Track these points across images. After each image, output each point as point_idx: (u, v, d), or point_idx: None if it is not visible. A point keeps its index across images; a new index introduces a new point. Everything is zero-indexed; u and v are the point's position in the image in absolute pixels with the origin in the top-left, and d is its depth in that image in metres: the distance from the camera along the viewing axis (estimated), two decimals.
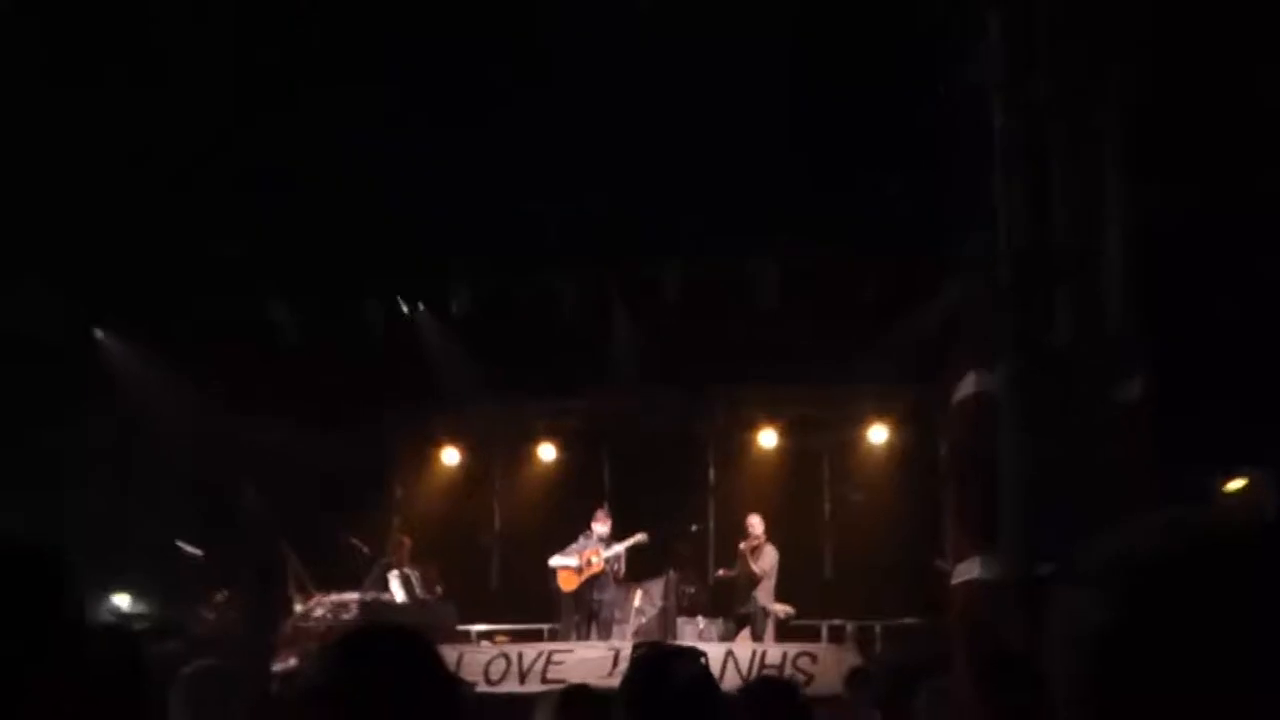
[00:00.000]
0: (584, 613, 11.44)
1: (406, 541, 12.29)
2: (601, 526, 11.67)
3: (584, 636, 11.34)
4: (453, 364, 13.24)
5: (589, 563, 11.48)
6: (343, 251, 11.58)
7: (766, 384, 13.00)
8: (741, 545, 11.74)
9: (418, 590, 11.86)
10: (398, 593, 11.76)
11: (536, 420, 14.24)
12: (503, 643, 11.80)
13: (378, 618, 10.38)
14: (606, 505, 12.39)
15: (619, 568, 11.58)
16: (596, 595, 11.44)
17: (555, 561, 11.66)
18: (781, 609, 11.82)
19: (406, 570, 11.92)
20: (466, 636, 12.20)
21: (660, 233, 11.33)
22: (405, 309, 13.05)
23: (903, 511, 12.59)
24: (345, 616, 11.35)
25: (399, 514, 14.12)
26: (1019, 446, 7.34)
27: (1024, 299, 7.55)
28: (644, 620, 12.12)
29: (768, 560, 11.62)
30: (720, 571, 12.31)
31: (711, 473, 14.09)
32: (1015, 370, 7.58)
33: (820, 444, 13.82)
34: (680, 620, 11.86)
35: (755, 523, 11.82)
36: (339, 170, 10.34)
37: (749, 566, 11.56)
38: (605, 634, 11.32)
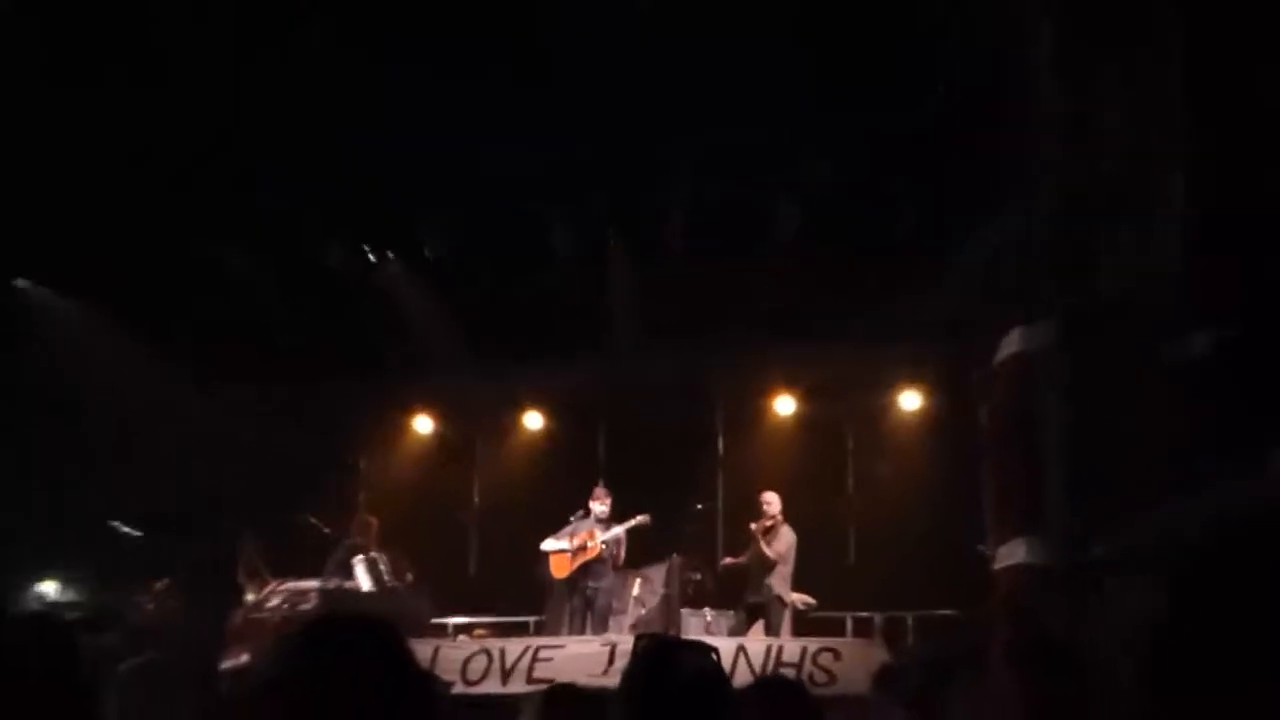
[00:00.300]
0: (577, 603, 11.50)
1: (373, 522, 12.32)
2: (600, 506, 11.70)
3: (577, 630, 11.41)
4: (426, 320, 13.29)
5: (584, 546, 11.52)
6: (299, 190, 11.55)
7: (783, 344, 13.06)
8: (753, 526, 11.77)
9: (386, 577, 11.90)
10: (363, 580, 11.80)
11: (522, 384, 14.30)
12: (483, 637, 11.88)
13: (341, 607, 10.44)
14: (603, 485, 12.43)
15: (618, 552, 11.62)
16: (592, 583, 11.48)
17: (548, 545, 11.72)
18: (799, 599, 11.87)
19: (373, 554, 11.95)
20: (442, 630, 12.27)
21: (663, 168, 11.30)
22: (371, 256, 13.01)
23: (937, 488, 12.59)
24: (304, 606, 11.38)
25: (365, 490, 14.22)
26: (1067, 413, 7.35)
27: (1073, 245, 7.53)
28: (644, 611, 12.17)
29: (784, 543, 11.64)
30: (727, 560, 12.36)
31: (721, 444, 14.22)
32: (1063, 326, 7.58)
33: (843, 412, 13.89)
34: (685, 612, 11.96)
35: (770, 500, 11.83)
36: (290, 97, 10.32)
37: (762, 550, 11.58)
38: (601, 627, 11.38)
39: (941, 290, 11.85)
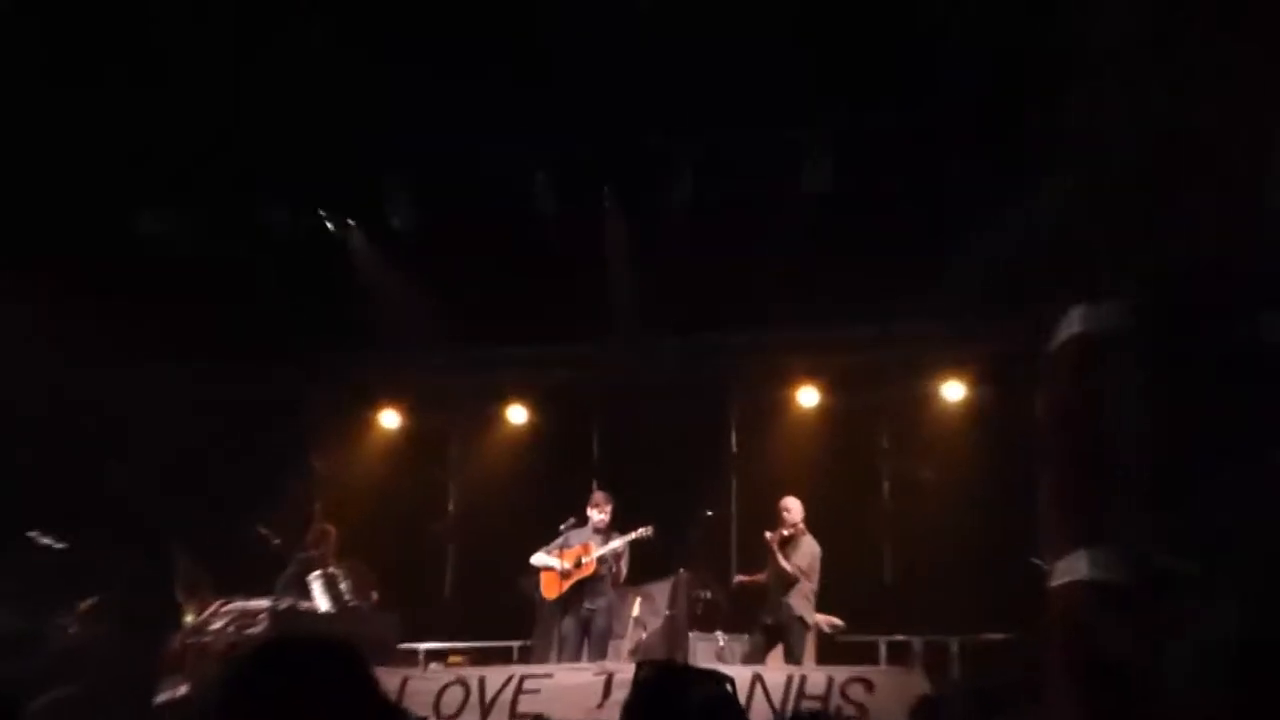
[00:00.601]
0: (570, 626, 11.52)
1: (332, 531, 12.32)
2: (598, 514, 11.70)
3: (569, 656, 11.41)
4: (393, 299, 13.33)
5: (579, 562, 11.52)
6: (246, 147, 11.52)
7: (806, 325, 13.15)
8: (769, 536, 11.76)
9: (347, 595, 11.89)
10: (321, 599, 11.79)
11: (505, 373, 14.40)
12: (460, 665, 11.89)
13: (295, 630, 10.42)
14: (599, 488, 12.42)
15: (618, 568, 11.62)
16: (588, 603, 11.50)
17: (538, 560, 11.72)
18: (826, 620, 11.89)
19: (332, 569, 11.94)
20: (412, 657, 12.33)
21: (667, 119, 11.27)
22: (330, 225, 12.99)
23: (985, 492, 12.58)
24: (251, 630, 11.37)
25: (322, 495, 14.22)
26: (1138, 405, 7.35)
27: (1147, 206, 7.51)
28: (645, 635, 12.19)
29: (806, 555, 11.65)
30: (740, 577, 12.37)
31: (734, 442, 14.34)
32: (1134, 303, 7.56)
33: (877, 404, 13.98)
34: (693, 635, 12.02)
35: (790, 507, 11.85)
36: (231, 39, 10.36)
37: (781, 564, 11.60)
38: (597, 653, 11.41)
39: (990, 261, 11.83)
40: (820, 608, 11.80)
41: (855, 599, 12.27)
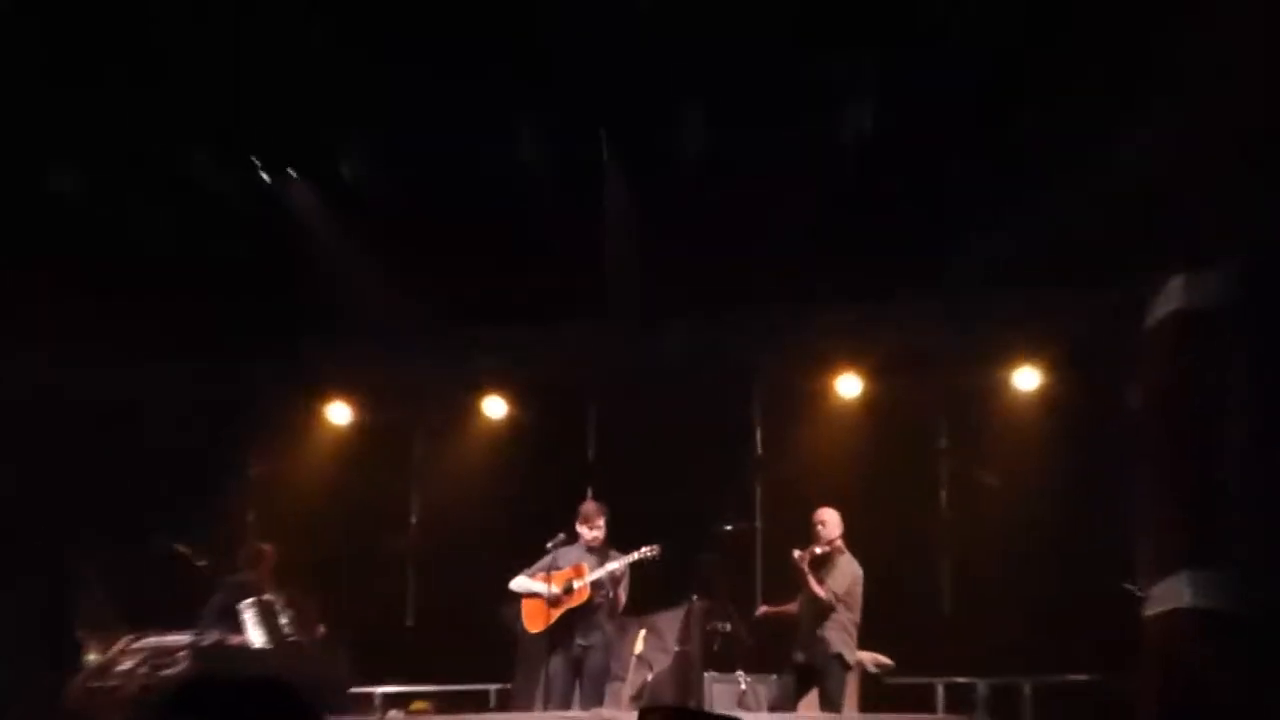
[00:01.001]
0: (558, 665, 11.45)
1: (268, 551, 12.32)
2: (590, 530, 11.66)
3: (558, 703, 11.35)
4: (346, 269, 13.33)
5: (569, 588, 11.49)
6: (167, 87, 11.49)
7: (846, 299, 13.28)
8: (797, 555, 11.71)
9: (286, 628, 11.89)
10: (254, 632, 11.79)
11: (480, 359, 14.46)
12: (425, 713, 11.87)
13: (222, 670, 10.40)
14: (594, 499, 12.41)
15: (617, 595, 11.58)
16: (580, 639, 11.45)
17: (519, 585, 11.68)
18: (870, 659, 11.91)
19: (268, 596, 11.94)
20: (366, 702, 12.40)
21: (676, 50, 11.23)
22: (266, 177, 12.96)
23: (1066, 502, 12.62)
24: (168, 670, 11.43)
25: (257, 507, 14.20)
26: (1252, 396, 7.31)
27: (1262, 158, 7.47)
28: (650, 676, 12.18)
29: (844, 579, 11.62)
30: (764, 609, 12.33)
31: (758, 442, 14.42)
32: (1245, 273, 7.52)
33: (933, 396, 14.04)
34: (709, 676, 12.05)
35: (827, 520, 11.81)
36: None
37: (815, 589, 11.57)
38: (592, 698, 11.35)
39: (1072, 224, 11.80)
40: (863, 643, 11.74)
41: (907, 631, 12.30)
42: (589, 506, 11.80)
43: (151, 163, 12.37)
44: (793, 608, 11.88)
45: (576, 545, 11.64)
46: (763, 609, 12.38)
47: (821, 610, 11.55)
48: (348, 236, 13.22)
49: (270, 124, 12.26)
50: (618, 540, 11.71)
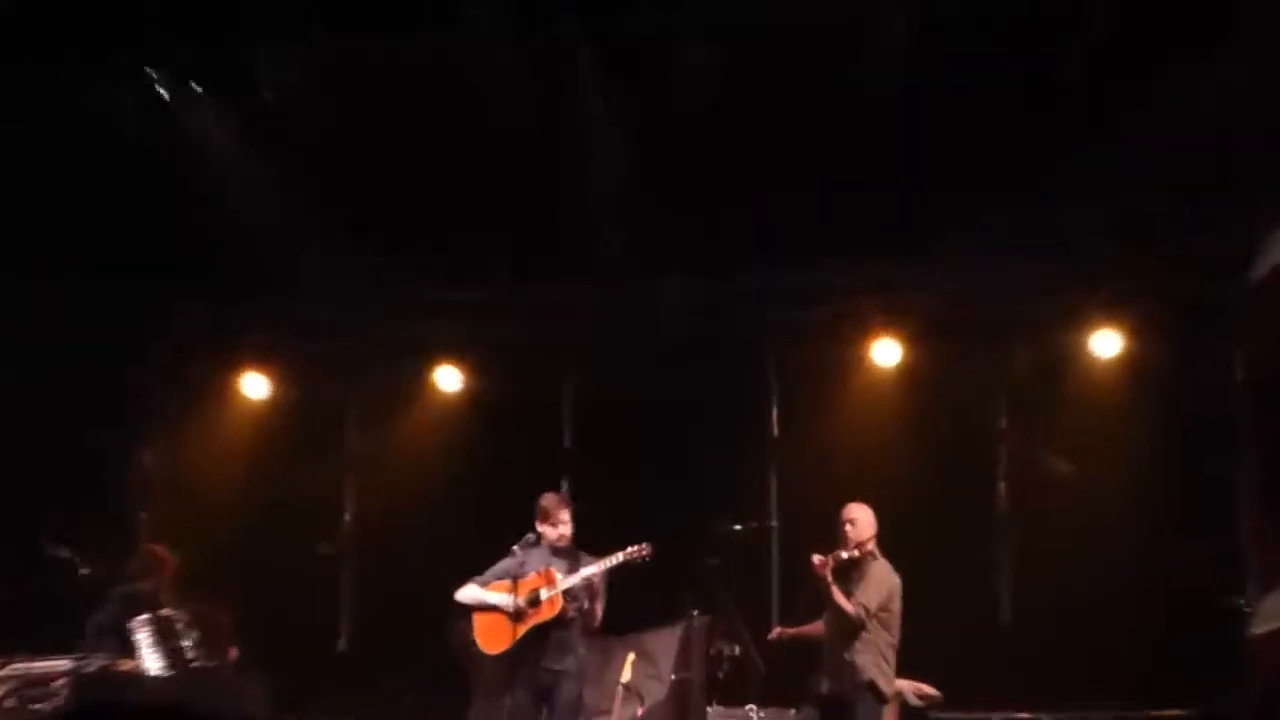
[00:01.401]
0: (523, 697, 11.44)
1: (167, 557, 12.22)
2: (557, 527, 11.60)
3: None
4: (264, 211, 13.34)
5: (535, 599, 11.42)
6: None
7: (882, 249, 13.18)
8: (817, 561, 11.61)
9: (189, 651, 11.80)
10: (149, 655, 11.65)
11: (431, 322, 14.51)
12: None
13: (107, 702, 10.29)
14: (566, 487, 12.30)
15: (594, 608, 11.52)
16: (551, 662, 11.42)
17: (468, 595, 11.61)
18: (911, 689, 11.87)
19: (167, 612, 11.83)
20: None
21: None
22: (163, 92, 12.87)
23: (1153, 495, 12.61)
24: (41, 704, 11.25)
25: (153, 503, 14.09)
26: None
27: None
28: (641, 711, 12.12)
29: (879, 589, 11.55)
30: (778, 630, 12.22)
31: (774, 423, 14.43)
32: None
33: (990, 366, 14.00)
34: (713, 712, 12.00)
35: (858, 518, 11.72)
36: None
37: (840, 602, 11.49)
38: None
39: (1158, 160, 11.78)
40: (902, 670, 11.63)
41: (957, 655, 12.28)
42: (551, 499, 11.72)
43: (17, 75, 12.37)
44: (816, 628, 11.80)
45: (539, 547, 11.56)
46: (777, 630, 12.29)
47: (850, 629, 11.45)
48: (266, 170, 13.17)
49: (171, 25, 12.23)
50: (601, 544, 11.63)
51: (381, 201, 12.74)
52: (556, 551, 11.54)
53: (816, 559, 11.54)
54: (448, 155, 12.43)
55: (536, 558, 11.52)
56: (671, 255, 13.47)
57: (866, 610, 11.40)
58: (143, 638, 11.74)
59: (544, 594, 11.37)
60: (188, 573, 12.34)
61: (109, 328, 13.76)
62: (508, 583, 11.38)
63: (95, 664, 11.58)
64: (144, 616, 11.79)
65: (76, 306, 13.33)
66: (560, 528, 11.56)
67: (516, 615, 11.39)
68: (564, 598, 11.37)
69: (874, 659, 11.44)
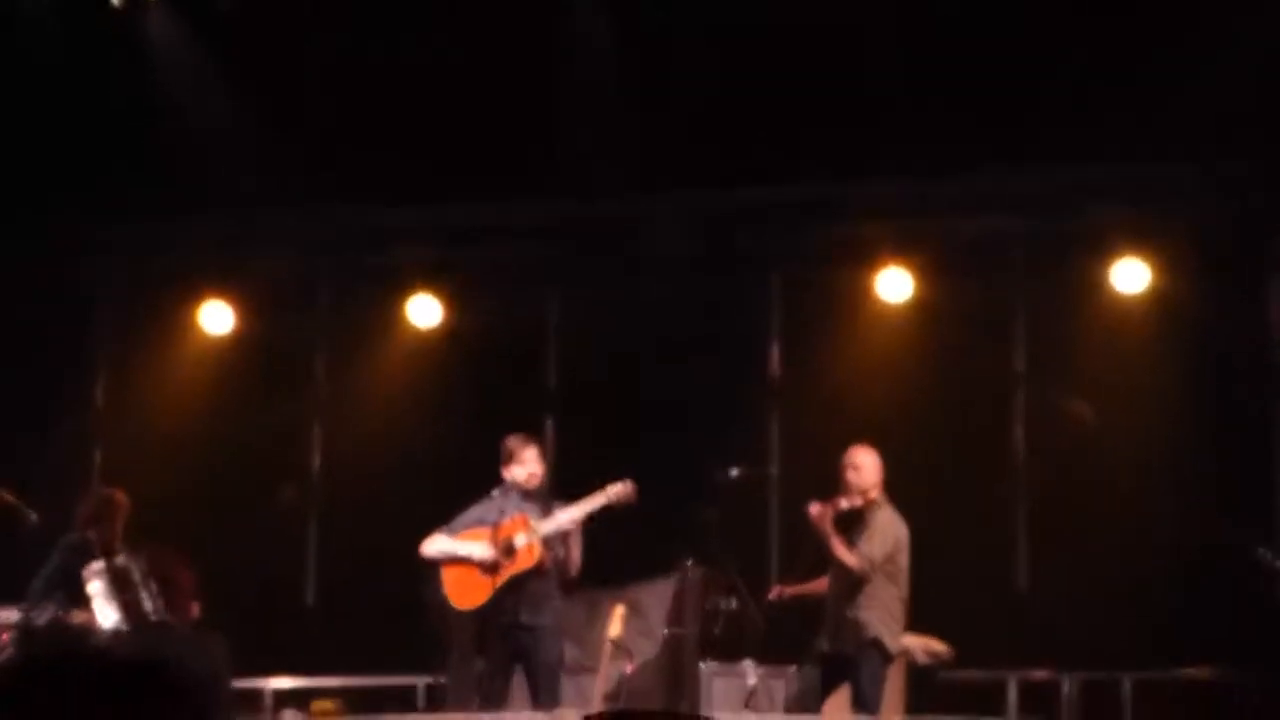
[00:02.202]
0: (501, 653, 11.40)
1: (120, 500, 12.14)
2: (522, 468, 11.53)
3: (498, 701, 11.37)
4: (221, 125, 13.33)
5: (510, 548, 11.40)
6: None
7: (894, 173, 13.36)
8: (815, 510, 11.57)
9: (147, 603, 11.77)
10: (104, 609, 11.64)
11: (404, 247, 14.45)
12: (329, 714, 11.78)
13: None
14: (550, 429, 12.23)
15: (570, 556, 11.48)
16: (528, 616, 11.37)
17: (437, 548, 11.53)
18: (921, 646, 11.87)
19: (122, 560, 11.79)
20: (255, 701, 12.41)
21: None
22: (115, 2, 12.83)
23: (1184, 444, 12.57)
24: None
25: (105, 441, 14.03)
26: None
27: None
28: (629, 669, 12.06)
29: (885, 540, 11.44)
30: (777, 590, 12.19)
31: (774, 360, 14.48)
32: None
33: (1007, 299, 14.03)
34: (708, 668, 12.12)
35: (862, 464, 11.57)
36: None
37: (842, 555, 11.45)
38: (547, 697, 11.31)
39: (1196, 81, 11.71)
40: (911, 626, 11.63)
41: (970, 611, 12.34)
42: (515, 439, 11.58)
43: None
44: (820, 585, 11.74)
45: (510, 492, 11.48)
46: (777, 590, 12.25)
47: (854, 584, 11.35)
48: (223, 81, 13.07)
49: None
50: (589, 491, 11.56)
51: (350, 121, 12.67)
52: (527, 495, 11.46)
53: (814, 508, 11.45)
54: (418, 71, 12.38)
55: (508, 504, 11.47)
56: (665, 177, 13.41)
57: (871, 562, 11.30)
58: (95, 588, 11.70)
59: (519, 542, 11.28)
60: (144, 519, 12.28)
61: (59, 254, 13.72)
62: (481, 530, 11.35)
63: (45, 615, 11.56)
64: (96, 566, 11.76)
65: (28, 227, 13.28)
66: (529, 466, 11.49)
67: (490, 567, 11.35)
68: (542, 545, 11.36)
69: (879, 615, 11.36)
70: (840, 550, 11.26)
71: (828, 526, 11.30)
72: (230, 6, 12.71)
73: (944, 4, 12.05)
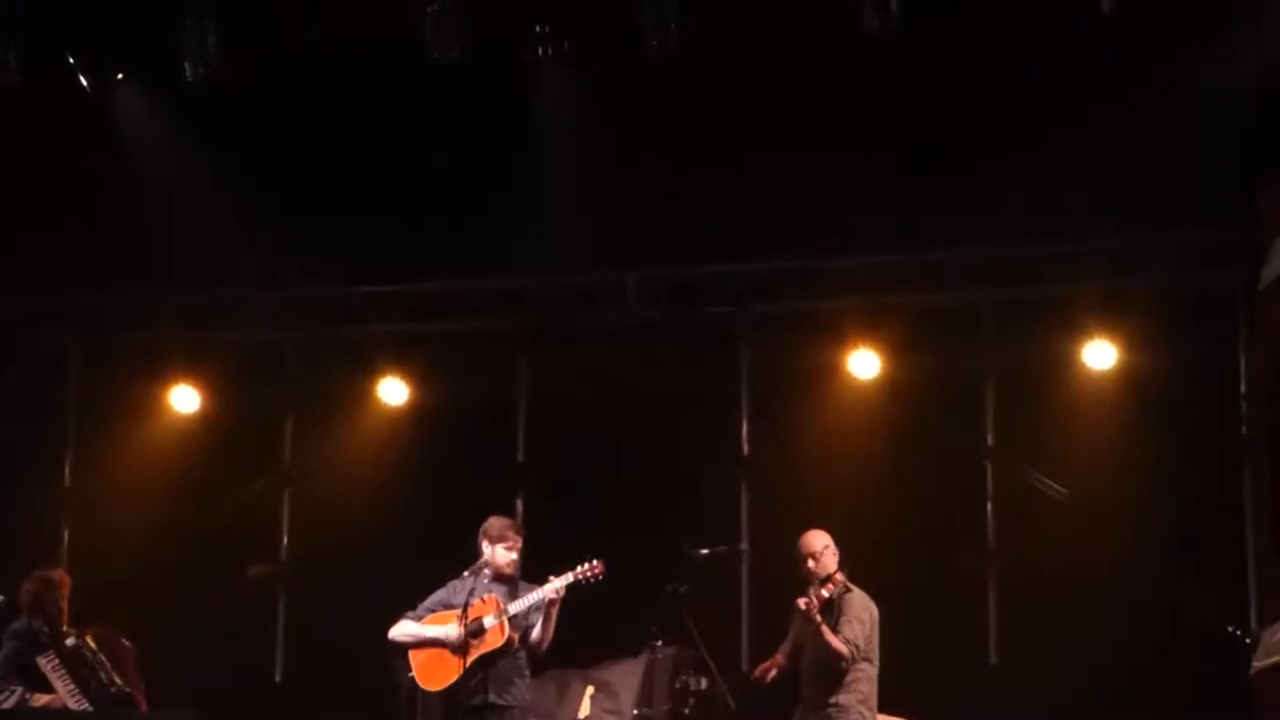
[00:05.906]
0: None
1: (59, 579, 11.98)
2: (504, 551, 11.50)
3: None
4: (191, 202, 13.10)
5: (479, 628, 11.37)
6: None
7: (863, 250, 13.50)
8: (802, 604, 11.41)
9: (104, 679, 11.67)
10: (68, 694, 11.54)
11: (372, 325, 14.37)
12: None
13: None
14: (520, 505, 12.23)
15: (543, 635, 11.44)
16: (495, 696, 11.31)
17: (403, 632, 11.50)
18: None
19: (72, 641, 11.70)
20: None
21: None
22: (85, 81, 12.79)
23: (1154, 520, 12.62)
24: None
25: (71, 521, 13.96)
26: None
27: None
28: None
29: (860, 625, 11.36)
30: (759, 670, 12.13)
31: (744, 437, 14.44)
32: None
33: (976, 377, 14.02)
34: None
35: (815, 548, 11.46)
36: None
37: (831, 642, 11.38)
38: None
39: (1160, 154, 11.79)
40: (883, 703, 11.37)
41: (942, 688, 12.28)
42: (501, 521, 11.54)
43: None
44: (780, 660, 11.71)
45: (479, 572, 11.45)
46: (759, 670, 12.20)
47: (835, 669, 11.20)
48: (194, 162, 13.08)
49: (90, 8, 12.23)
50: (558, 567, 11.48)
51: (321, 199, 12.69)
52: (498, 578, 11.47)
53: (802, 603, 11.43)
54: (394, 148, 12.42)
55: (479, 585, 11.44)
56: (636, 251, 13.48)
57: (857, 647, 11.35)
58: (54, 674, 11.63)
59: (488, 622, 11.26)
60: (113, 597, 12.27)
61: (33, 328, 13.70)
62: (447, 613, 11.31)
63: (12, 699, 11.50)
64: (48, 655, 11.69)
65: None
66: (513, 552, 11.47)
67: (458, 647, 11.31)
68: (510, 625, 11.33)
69: (858, 698, 11.27)
70: (830, 639, 11.19)
71: (818, 618, 11.26)
72: (199, 82, 12.68)
73: (911, 80, 12.08)
